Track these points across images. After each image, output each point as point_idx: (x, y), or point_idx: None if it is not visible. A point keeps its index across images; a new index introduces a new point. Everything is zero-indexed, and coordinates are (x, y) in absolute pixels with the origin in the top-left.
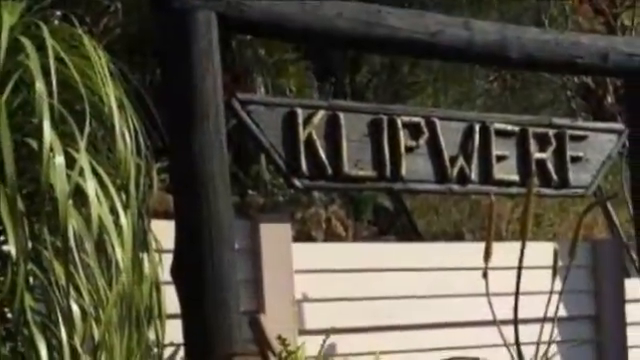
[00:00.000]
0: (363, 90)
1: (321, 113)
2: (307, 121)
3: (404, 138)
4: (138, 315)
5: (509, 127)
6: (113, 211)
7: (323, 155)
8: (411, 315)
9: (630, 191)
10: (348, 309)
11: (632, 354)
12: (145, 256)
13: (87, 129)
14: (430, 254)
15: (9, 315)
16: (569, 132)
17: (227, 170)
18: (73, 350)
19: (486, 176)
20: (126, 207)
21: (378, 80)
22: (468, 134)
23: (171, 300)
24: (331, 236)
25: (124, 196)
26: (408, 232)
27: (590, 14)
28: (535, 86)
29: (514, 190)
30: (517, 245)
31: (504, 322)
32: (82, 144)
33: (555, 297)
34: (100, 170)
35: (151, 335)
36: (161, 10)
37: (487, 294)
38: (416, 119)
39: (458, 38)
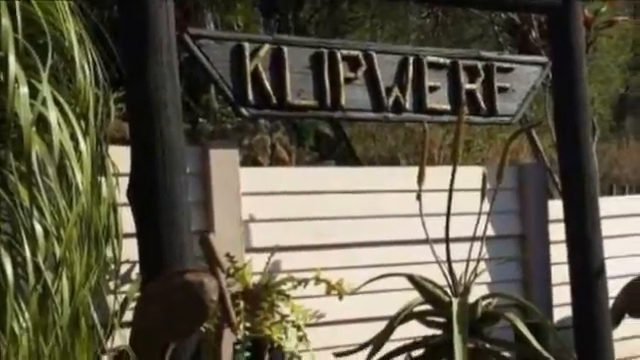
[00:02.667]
0: (305, 25)
1: (266, 47)
2: (253, 54)
3: (343, 70)
4: (97, 234)
5: (441, 60)
6: (73, 138)
7: (268, 86)
8: (350, 234)
9: (553, 119)
10: (291, 228)
11: (555, 270)
12: (103, 179)
13: (49, 62)
14: (367, 177)
15: None
16: (496, 64)
17: (179, 100)
18: (36, 266)
19: (419, 105)
20: (85, 134)
21: (319, 16)
22: (403, 66)
23: (127, 220)
24: (276, 161)
25: (83, 124)
26: (347, 157)
27: None
28: (465, 22)
29: (445, 118)
30: (448, 169)
31: (436, 241)
32: (44, 75)
33: (484, 217)
34: (61, 100)
35: (108, 253)
36: None
37: (421, 215)
38: (354, 52)
39: None
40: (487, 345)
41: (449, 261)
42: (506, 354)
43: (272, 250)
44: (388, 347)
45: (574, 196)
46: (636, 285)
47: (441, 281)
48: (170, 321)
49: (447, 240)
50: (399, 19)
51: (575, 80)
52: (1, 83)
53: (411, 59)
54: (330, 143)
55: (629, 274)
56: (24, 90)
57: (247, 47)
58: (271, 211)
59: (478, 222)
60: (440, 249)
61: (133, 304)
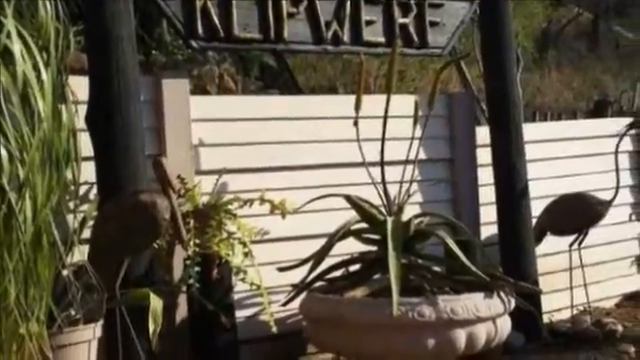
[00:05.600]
0: None
1: None
2: None
3: (286, 5)
4: (57, 158)
5: None
6: (36, 68)
7: (216, 20)
8: (292, 158)
9: (480, 51)
10: (238, 153)
11: (482, 191)
12: (63, 107)
13: None
14: (308, 105)
15: None
16: (428, 1)
17: (134, 33)
18: (1, 188)
19: (356, 38)
20: (47, 65)
21: None
22: (341, 2)
23: (85, 145)
24: (223, 90)
25: (45, 55)
26: (289, 86)
27: None
28: None
29: (381, 50)
30: (383, 97)
31: (372, 164)
32: (9, 11)
33: (416, 142)
34: (25, 33)
35: (68, 175)
36: None
37: (358, 140)
38: None
39: None
40: (419, 260)
41: (384, 183)
42: (437, 269)
43: (220, 172)
44: (328, 262)
45: (500, 123)
46: (557, 205)
47: (377, 201)
48: (125, 238)
49: (382, 163)
50: None
51: (501, 15)
52: None
53: None
54: (274, 73)
55: (550, 195)
56: None
57: None
58: (219, 136)
59: (411, 147)
60: (376, 171)
61: (91, 222)
